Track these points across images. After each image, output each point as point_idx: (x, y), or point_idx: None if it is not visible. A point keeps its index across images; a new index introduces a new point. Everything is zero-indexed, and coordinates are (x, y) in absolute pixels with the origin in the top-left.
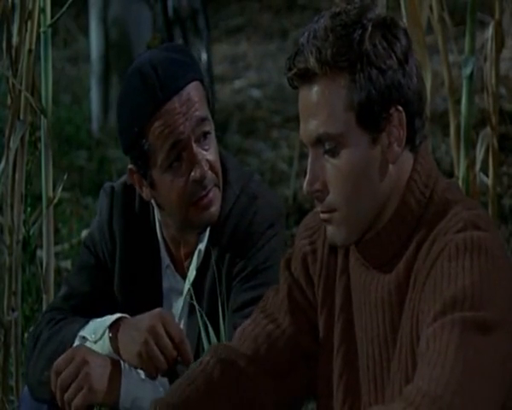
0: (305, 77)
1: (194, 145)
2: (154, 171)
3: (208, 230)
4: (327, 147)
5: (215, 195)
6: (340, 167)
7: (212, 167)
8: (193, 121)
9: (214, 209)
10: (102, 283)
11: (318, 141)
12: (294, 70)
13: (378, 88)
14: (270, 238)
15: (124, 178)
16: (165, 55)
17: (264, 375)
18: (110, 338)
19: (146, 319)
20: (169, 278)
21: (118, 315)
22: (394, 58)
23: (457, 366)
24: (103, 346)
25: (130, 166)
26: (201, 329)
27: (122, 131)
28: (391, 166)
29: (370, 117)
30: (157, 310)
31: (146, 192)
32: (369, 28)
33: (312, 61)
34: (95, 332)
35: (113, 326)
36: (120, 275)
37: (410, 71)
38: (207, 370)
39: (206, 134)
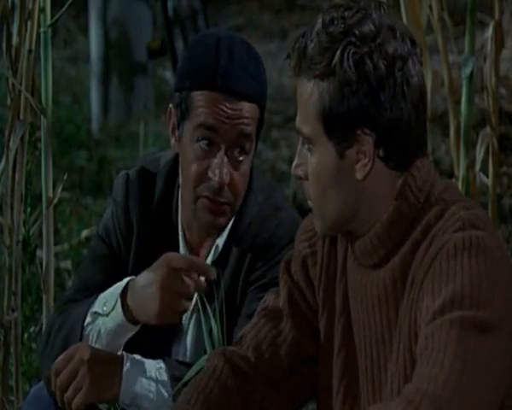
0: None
1: (225, 156)
2: (186, 126)
3: (228, 229)
4: (304, 142)
5: (226, 211)
6: (311, 166)
7: (232, 185)
8: (235, 132)
9: (221, 220)
10: (116, 273)
11: (299, 133)
12: (289, 62)
13: (340, 108)
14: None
15: (138, 166)
16: (247, 53)
17: (267, 383)
18: (122, 307)
19: (153, 274)
20: None
21: (127, 279)
22: (365, 85)
23: (456, 365)
24: (116, 317)
25: (170, 105)
26: (203, 325)
27: (180, 71)
28: (366, 181)
29: (335, 131)
30: (160, 259)
31: (173, 142)
32: (346, 48)
33: (294, 64)
34: (106, 305)
35: (123, 294)
36: (135, 263)
37: (386, 97)
38: (222, 379)
39: (242, 151)
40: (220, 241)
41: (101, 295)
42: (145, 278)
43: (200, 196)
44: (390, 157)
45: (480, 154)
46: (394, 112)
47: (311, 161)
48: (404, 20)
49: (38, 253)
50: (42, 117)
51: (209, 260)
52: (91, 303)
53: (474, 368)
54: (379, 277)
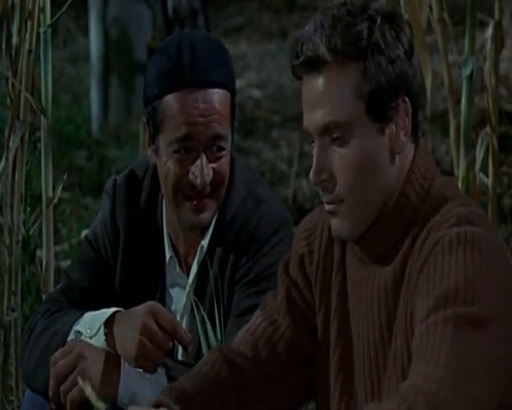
0: (313, 65)
1: (203, 155)
2: (161, 141)
3: (212, 228)
4: (334, 135)
5: (207, 205)
6: (348, 157)
7: (215, 178)
8: (210, 133)
9: (204, 217)
10: (101, 278)
11: (326, 130)
12: (302, 58)
13: (388, 77)
14: (274, 245)
15: (127, 170)
16: (210, 44)
17: (265, 379)
18: (105, 334)
19: (137, 315)
20: (172, 272)
21: (113, 310)
22: (401, 49)
23: (451, 362)
24: (98, 342)
25: (144, 119)
26: (199, 326)
27: (146, 83)
28: (397, 156)
29: (380, 106)
30: (147, 304)
31: (151, 154)
32: (378, 19)
33: (322, 49)
34: (90, 327)
35: (108, 322)
36: (122, 269)
37: (415, 63)
38: (216, 368)
39: (220, 148)
40: (205, 241)
41: (86, 316)
42: (130, 317)
43: (182, 199)
44: (414, 126)
45: (479, 154)
46: (419, 75)
47: (346, 151)
48: None
49: (38, 253)
50: (42, 117)
51: (195, 262)
52: (76, 319)
53: (469, 366)
54: (381, 274)
